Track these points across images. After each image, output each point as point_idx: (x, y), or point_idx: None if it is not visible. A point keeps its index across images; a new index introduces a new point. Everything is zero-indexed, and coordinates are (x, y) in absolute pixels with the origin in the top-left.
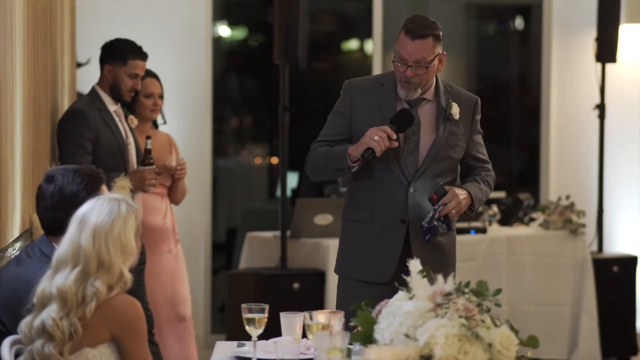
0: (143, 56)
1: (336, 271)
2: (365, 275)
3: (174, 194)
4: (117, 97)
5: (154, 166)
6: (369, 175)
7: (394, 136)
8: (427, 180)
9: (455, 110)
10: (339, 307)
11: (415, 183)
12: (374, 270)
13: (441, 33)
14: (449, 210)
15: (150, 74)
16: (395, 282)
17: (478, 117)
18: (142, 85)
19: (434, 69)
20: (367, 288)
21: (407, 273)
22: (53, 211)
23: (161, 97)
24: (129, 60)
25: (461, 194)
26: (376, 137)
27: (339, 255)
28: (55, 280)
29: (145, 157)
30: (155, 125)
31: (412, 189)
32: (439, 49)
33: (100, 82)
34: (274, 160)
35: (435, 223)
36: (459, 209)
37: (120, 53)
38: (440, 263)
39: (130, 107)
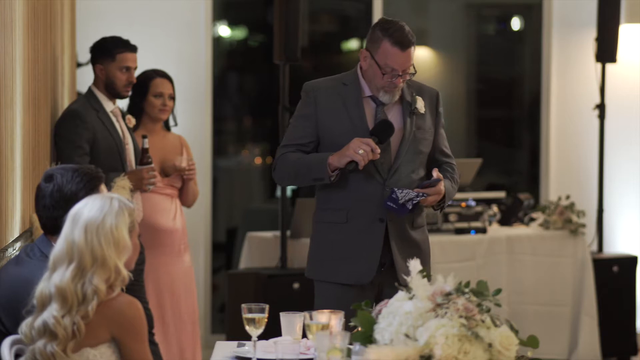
0: (131, 48)
1: (309, 275)
2: (345, 277)
3: (185, 196)
4: (114, 94)
5: (152, 165)
6: (342, 177)
7: (378, 150)
8: (401, 176)
9: (420, 104)
10: None
11: (390, 180)
12: (354, 272)
13: None
14: (428, 202)
15: (161, 74)
16: (375, 282)
17: (441, 109)
18: (152, 84)
19: None
20: (347, 291)
21: (388, 274)
22: (52, 210)
23: (172, 98)
24: (116, 55)
25: (442, 191)
26: (361, 151)
27: (312, 259)
28: (52, 279)
29: (142, 157)
30: (167, 127)
31: (387, 188)
32: None
33: (95, 83)
34: None
35: (409, 206)
36: (432, 202)
37: (107, 50)
38: (419, 260)
39: (138, 106)
